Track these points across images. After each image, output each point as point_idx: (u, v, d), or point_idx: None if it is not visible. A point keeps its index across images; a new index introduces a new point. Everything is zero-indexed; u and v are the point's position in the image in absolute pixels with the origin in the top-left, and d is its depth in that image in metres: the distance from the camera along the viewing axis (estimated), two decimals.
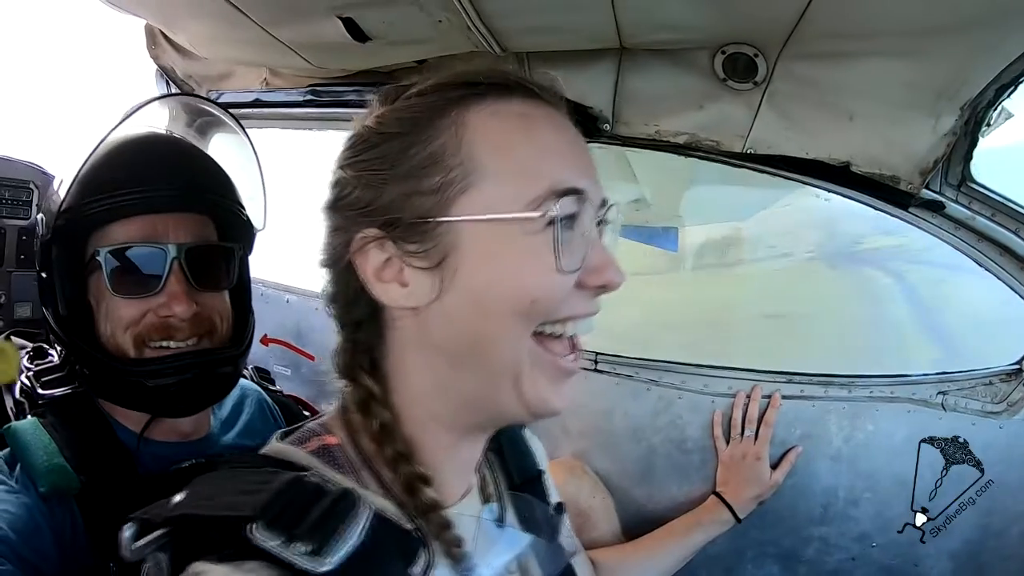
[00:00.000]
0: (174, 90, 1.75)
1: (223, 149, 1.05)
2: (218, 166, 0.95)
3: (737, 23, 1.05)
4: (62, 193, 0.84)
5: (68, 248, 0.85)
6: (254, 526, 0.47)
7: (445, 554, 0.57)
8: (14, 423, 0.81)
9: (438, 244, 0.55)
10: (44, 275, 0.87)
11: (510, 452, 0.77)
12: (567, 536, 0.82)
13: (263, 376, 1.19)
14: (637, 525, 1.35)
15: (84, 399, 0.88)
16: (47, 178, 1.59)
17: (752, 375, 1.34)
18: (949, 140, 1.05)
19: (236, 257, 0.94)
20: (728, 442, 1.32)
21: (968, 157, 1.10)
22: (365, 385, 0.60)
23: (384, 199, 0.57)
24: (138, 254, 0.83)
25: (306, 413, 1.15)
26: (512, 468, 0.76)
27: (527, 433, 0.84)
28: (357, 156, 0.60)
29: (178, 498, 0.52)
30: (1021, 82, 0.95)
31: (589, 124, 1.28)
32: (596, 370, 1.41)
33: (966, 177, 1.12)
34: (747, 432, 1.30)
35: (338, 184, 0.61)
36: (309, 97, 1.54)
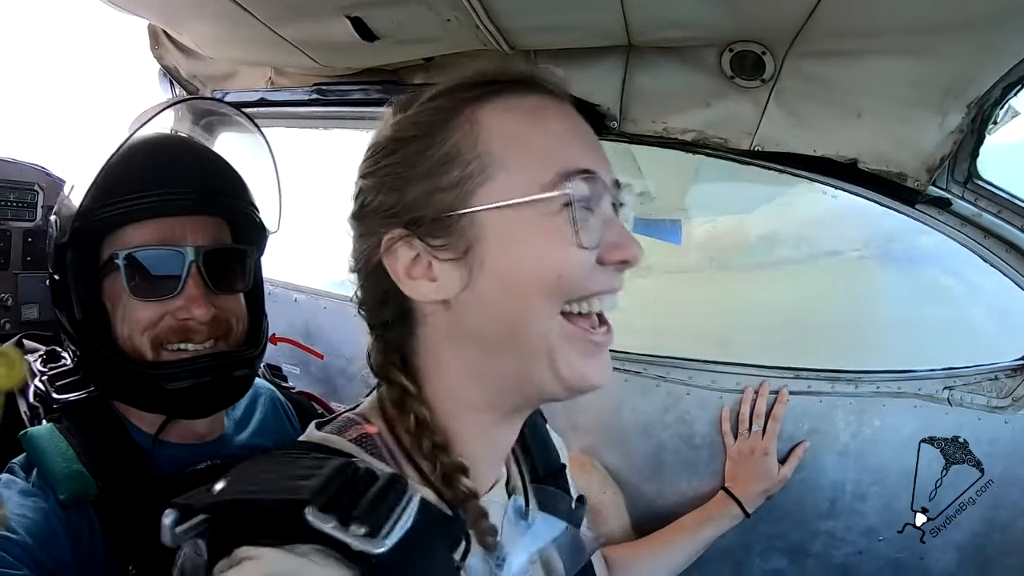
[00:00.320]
0: (178, 90, 1.75)
1: (234, 150, 1.05)
2: (231, 168, 0.95)
3: (745, 21, 1.05)
4: (76, 196, 0.84)
5: (84, 251, 0.85)
6: (310, 509, 0.47)
7: (479, 542, 0.58)
8: (31, 429, 0.82)
9: (463, 236, 0.57)
10: (58, 277, 0.87)
11: (535, 445, 0.78)
12: (587, 530, 0.83)
13: (275, 373, 1.20)
14: (647, 520, 1.36)
15: (99, 403, 0.88)
16: (52, 180, 1.58)
17: (759, 371, 1.34)
18: (956, 137, 1.05)
19: (251, 259, 0.95)
20: (736, 438, 1.32)
21: (975, 154, 1.11)
22: (399, 382, 0.62)
23: (407, 199, 0.59)
24: (156, 257, 0.84)
25: (319, 409, 1.15)
26: (537, 461, 0.77)
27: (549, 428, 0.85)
28: (377, 164, 0.62)
29: (220, 485, 0.52)
30: None
31: (596, 121, 1.28)
32: None
33: (972, 174, 1.13)
34: (755, 427, 1.31)
35: (361, 193, 0.63)
36: (315, 96, 1.53)
